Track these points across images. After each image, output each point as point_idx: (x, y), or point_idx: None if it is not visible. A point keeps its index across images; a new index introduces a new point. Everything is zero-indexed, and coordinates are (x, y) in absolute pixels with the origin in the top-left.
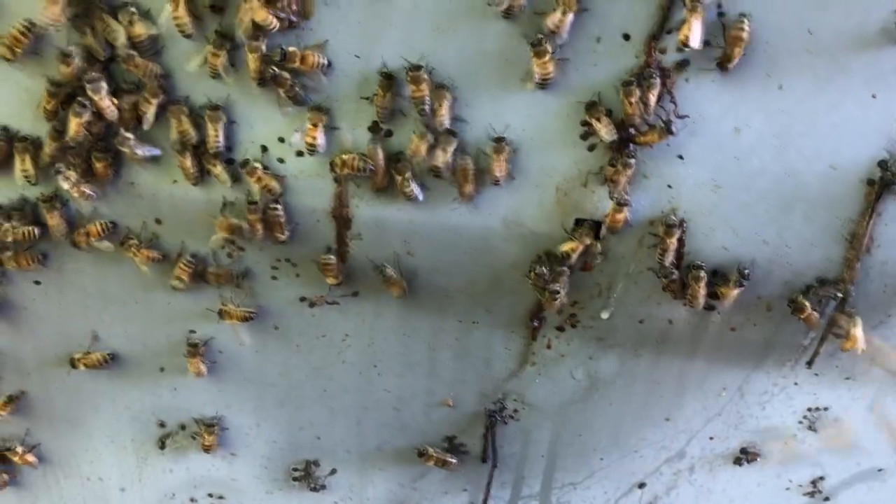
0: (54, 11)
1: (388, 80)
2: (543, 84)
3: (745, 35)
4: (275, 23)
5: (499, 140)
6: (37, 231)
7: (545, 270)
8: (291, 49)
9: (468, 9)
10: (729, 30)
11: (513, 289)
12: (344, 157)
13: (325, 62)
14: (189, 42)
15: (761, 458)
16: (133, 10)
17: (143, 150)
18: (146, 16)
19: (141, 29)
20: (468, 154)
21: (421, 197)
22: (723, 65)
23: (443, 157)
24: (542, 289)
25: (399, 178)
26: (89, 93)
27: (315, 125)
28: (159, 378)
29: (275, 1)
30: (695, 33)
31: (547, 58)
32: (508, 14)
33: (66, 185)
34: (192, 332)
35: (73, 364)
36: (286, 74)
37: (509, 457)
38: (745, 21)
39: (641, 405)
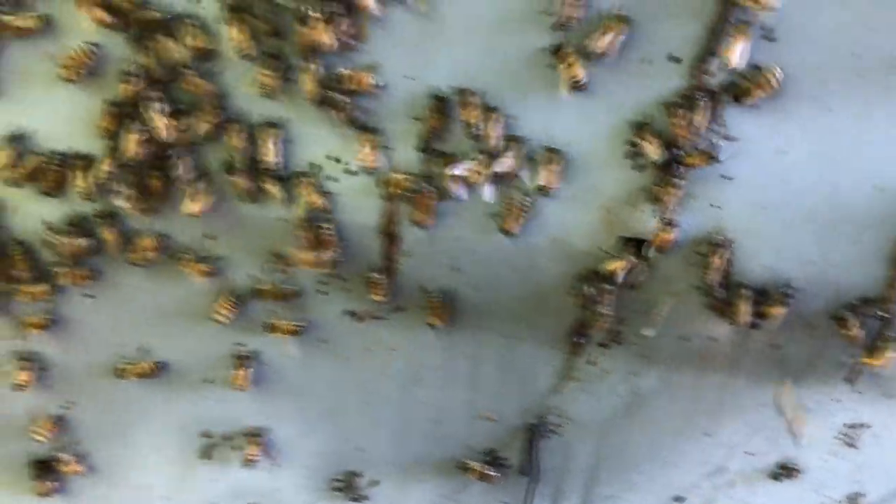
0: None
1: (440, 102)
2: (576, 87)
3: (773, 84)
4: (332, 45)
5: (552, 150)
6: (91, 246)
7: (592, 291)
8: (346, 72)
9: (519, 29)
10: (761, 73)
11: (557, 305)
12: (397, 176)
13: (379, 83)
14: (244, 62)
15: (800, 474)
16: (192, 21)
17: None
18: (203, 30)
19: (200, 41)
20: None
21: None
22: (739, 98)
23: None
24: (589, 309)
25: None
26: (147, 112)
27: (370, 145)
28: (206, 389)
29: (333, 24)
30: (740, 54)
31: (570, 60)
32: (563, 27)
33: (122, 203)
34: (241, 344)
35: (120, 374)
36: (342, 97)
37: (549, 470)
38: (777, 72)
39: (682, 420)
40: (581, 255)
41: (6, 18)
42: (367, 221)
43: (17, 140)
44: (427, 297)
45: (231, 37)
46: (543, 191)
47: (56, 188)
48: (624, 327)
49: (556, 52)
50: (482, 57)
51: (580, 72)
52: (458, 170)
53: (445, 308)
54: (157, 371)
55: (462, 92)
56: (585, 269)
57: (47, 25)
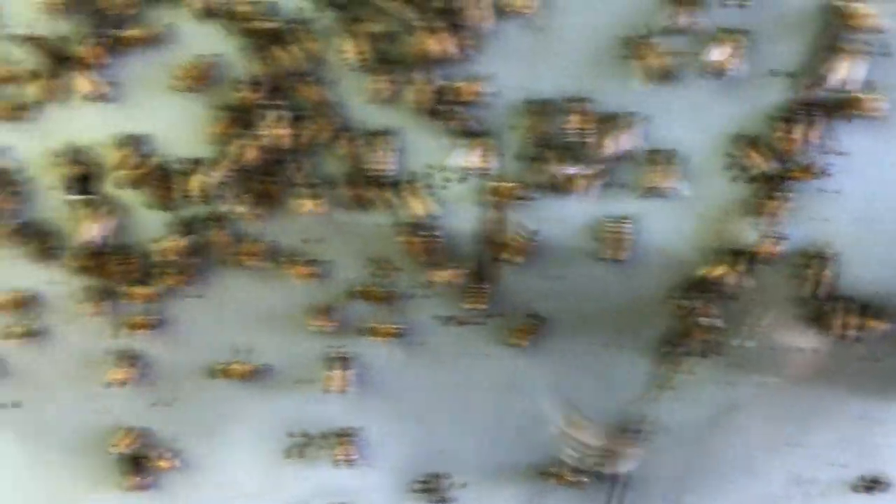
0: None
1: (547, 110)
2: (663, 76)
3: (882, 101)
4: (451, 55)
5: (666, 152)
6: (198, 249)
7: (693, 300)
8: (460, 84)
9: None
10: (871, 89)
11: (657, 313)
12: (506, 184)
13: (491, 92)
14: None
15: (893, 488)
16: (307, 28)
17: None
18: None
19: (315, 48)
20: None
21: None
22: (847, 114)
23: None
24: (689, 318)
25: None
26: (266, 120)
27: (481, 150)
28: (302, 389)
29: (451, 34)
30: (849, 71)
31: (656, 51)
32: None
33: (234, 207)
34: (337, 347)
35: (220, 374)
36: (454, 108)
37: (636, 478)
38: (881, 98)
39: (774, 430)
40: (682, 265)
41: (129, 31)
42: (471, 229)
43: (135, 143)
44: (515, 317)
45: (346, 48)
46: (656, 191)
47: (168, 191)
48: (723, 337)
49: (640, 39)
50: (593, 69)
51: (667, 62)
52: (572, 171)
53: (532, 329)
54: (257, 372)
55: (576, 100)
56: (686, 278)
57: (166, 36)
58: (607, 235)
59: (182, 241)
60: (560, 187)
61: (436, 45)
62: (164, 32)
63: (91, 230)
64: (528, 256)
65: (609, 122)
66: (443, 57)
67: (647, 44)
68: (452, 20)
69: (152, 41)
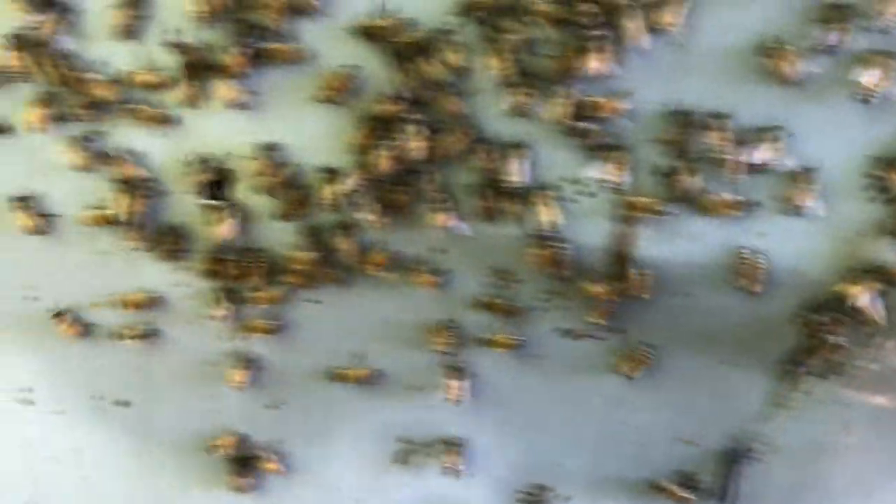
0: None
1: (688, 125)
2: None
3: None
4: (602, 71)
5: (809, 171)
6: (324, 255)
7: (824, 320)
8: (600, 100)
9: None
10: None
11: (780, 333)
12: (642, 199)
13: (629, 108)
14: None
15: None
16: (450, 39)
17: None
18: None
19: (458, 60)
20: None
21: None
22: None
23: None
24: (817, 337)
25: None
26: (404, 131)
27: (616, 163)
28: (414, 396)
29: (608, 51)
30: None
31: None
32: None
33: (368, 216)
34: (454, 355)
35: (338, 378)
36: (591, 125)
37: (746, 496)
38: None
39: (888, 455)
40: (813, 284)
41: (275, 47)
42: (599, 243)
43: (273, 151)
44: (630, 346)
45: (491, 63)
46: (792, 209)
47: (301, 199)
48: (847, 358)
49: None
50: (735, 87)
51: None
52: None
53: (643, 359)
54: (374, 377)
55: (716, 116)
56: (817, 297)
57: (309, 50)
58: (742, 266)
59: (310, 251)
60: (695, 203)
61: (593, 62)
62: (307, 49)
63: (220, 234)
64: (657, 273)
65: (748, 137)
66: (596, 74)
67: (787, 57)
68: (610, 37)
69: (295, 56)
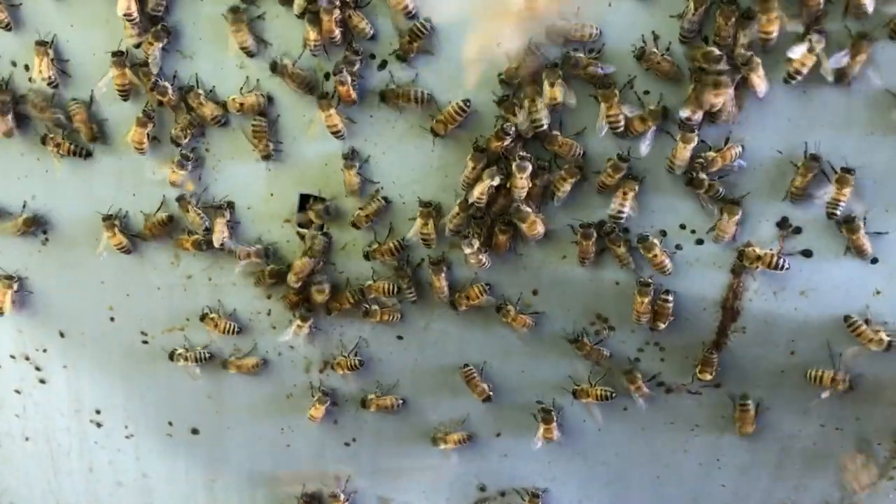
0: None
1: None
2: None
3: None
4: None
5: None
6: (402, 289)
7: None
8: (712, 155)
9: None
10: None
11: (893, 400)
12: (759, 251)
13: (741, 152)
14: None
15: None
16: (556, 75)
17: (541, 227)
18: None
19: (559, 95)
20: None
21: None
22: None
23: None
24: None
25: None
26: (514, 169)
27: (730, 217)
28: (493, 442)
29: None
30: None
31: None
32: None
33: (468, 251)
34: (540, 402)
35: (363, 404)
36: (704, 176)
37: None
38: None
39: None
40: None
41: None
42: (706, 293)
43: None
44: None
45: (608, 112)
46: None
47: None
48: None
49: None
50: (860, 139)
51: None
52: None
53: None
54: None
55: (845, 170)
56: None
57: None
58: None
59: (390, 282)
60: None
61: (713, 97)
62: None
63: (307, 264)
64: (762, 327)
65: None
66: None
67: None
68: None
69: (412, 97)
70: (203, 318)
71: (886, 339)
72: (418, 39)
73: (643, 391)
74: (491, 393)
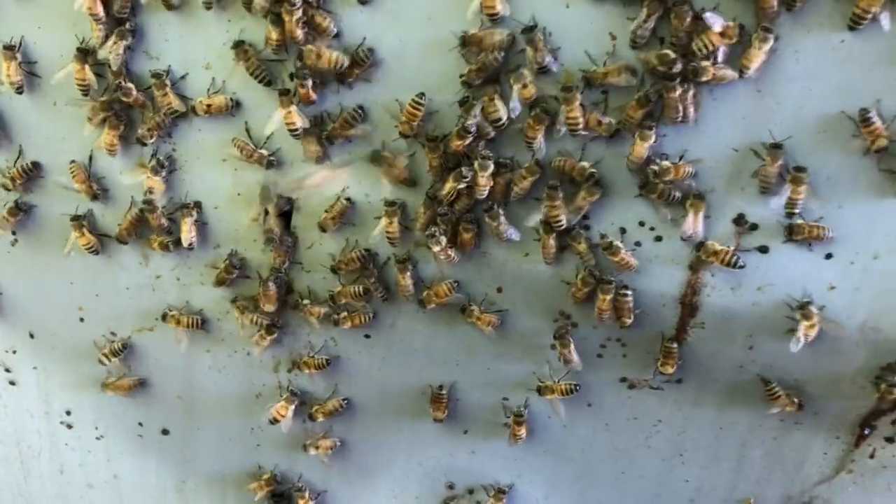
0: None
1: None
2: None
3: None
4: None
5: None
6: (378, 289)
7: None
8: (666, 164)
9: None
10: None
11: (850, 393)
12: (717, 246)
13: (693, 173)
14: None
15: None
16: (524, 72)
17: (507, 231)
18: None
19: (531, 90)
20: None
21: None
22: None
23: None
24: (889, 398)
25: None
26: (475, 168)
27: (694, 212)
28: (461, 440)
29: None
30: None
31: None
32: None
33: (436, 248)
34: (505, 399)
35: (311, 417)
36: (658, 180)
37: None
38: None
39: None
40: (891, 346)
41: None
42: (666, 290)
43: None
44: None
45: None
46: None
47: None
48: None
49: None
50: (814, 139)
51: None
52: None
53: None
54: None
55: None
56: (891, 356)
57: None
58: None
59: (358, 286)
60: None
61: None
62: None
63: (275, 264)
64: (720, 322)
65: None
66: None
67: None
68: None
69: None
70: (164, 317)
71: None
72: (359, 67)
73: (570, 357)
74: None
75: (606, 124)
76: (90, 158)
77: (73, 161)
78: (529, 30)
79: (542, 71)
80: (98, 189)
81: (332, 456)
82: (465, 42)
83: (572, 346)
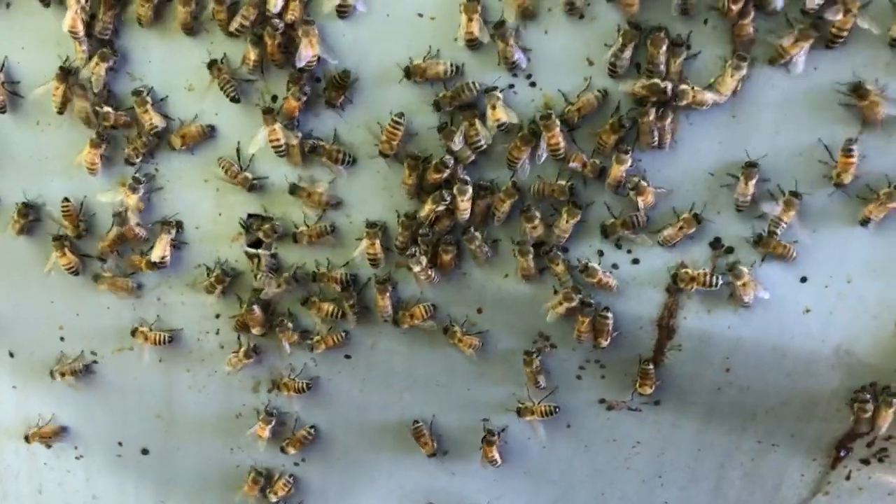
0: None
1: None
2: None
3: None
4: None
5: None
6: (346, 313)
7: (868, 398)
8: (642, 184)
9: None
10: None
11: (826, 416)
12: (692, 272)
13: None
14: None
15: None
16: (496, 96)
17: (484, 251)
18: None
19: (503, 115)
20: None
21: None
22: None
23: None
24: (864, 420)
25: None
26: (455, 192)
27: (673, 230)
28: (441, 461)
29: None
30: None
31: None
32: None
33: (416, 268)
34: (486, 420)
35: (283, 450)
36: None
37: None
38: None
39: None
40: (865, 368)
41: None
42: (643, 312)
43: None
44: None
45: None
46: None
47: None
48: (892, 445)
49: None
50: (791, 160)
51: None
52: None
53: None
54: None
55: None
56: (865, 379)
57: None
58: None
59: (334, 306)
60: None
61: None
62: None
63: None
64: (697, 344)
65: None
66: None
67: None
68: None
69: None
70: (134, 332)
71: None
72: (341, 89)
73: (535, 378)
74: (436, 449)
75: (591, 164)
76: (82, 204)
77: (66, 199)
78: (500, 24)
79: (511, 67)
80: (84, 229)
81: (310, 479)
82: (409, 73)
83: (536, 365)
